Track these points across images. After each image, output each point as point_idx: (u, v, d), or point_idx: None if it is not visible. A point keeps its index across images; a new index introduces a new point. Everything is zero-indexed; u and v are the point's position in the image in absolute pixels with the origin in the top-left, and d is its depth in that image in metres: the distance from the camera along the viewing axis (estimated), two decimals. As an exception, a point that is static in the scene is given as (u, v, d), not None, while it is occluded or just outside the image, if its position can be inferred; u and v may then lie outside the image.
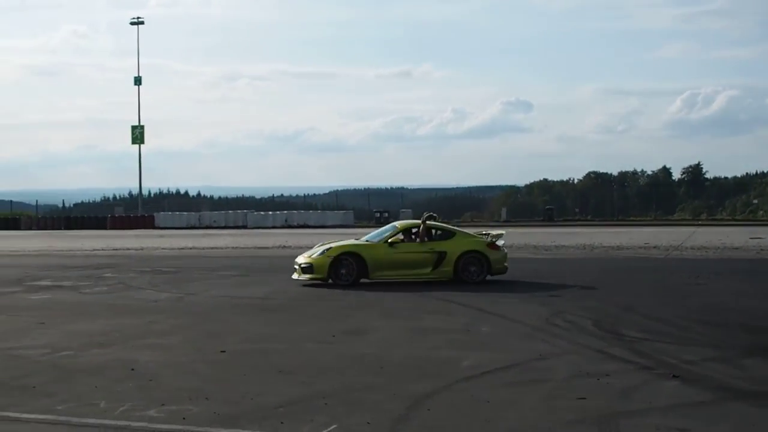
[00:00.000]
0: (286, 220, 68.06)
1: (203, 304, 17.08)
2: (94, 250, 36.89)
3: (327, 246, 20.77)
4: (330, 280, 19.95)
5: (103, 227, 67.70)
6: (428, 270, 20.42)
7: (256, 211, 74.14)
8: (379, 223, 66.32)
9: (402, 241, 20.92)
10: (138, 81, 78.92)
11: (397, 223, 22.16)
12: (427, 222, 21.13)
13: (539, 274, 22.79)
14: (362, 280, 20.05)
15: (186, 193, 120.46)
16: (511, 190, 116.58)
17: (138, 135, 77.90)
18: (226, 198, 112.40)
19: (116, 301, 17.66)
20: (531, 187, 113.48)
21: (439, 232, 21.35)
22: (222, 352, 11.60)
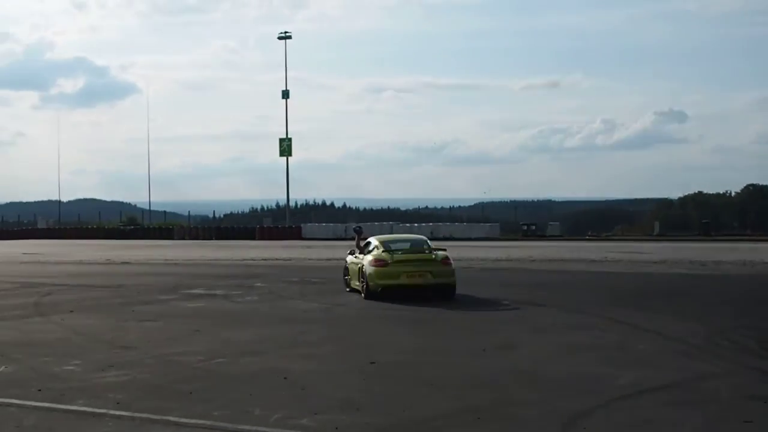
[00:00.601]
0: (431, 233, 67.99)
1: (352, 315, 17.25)
2: (244, 260, 37.60)
3: None
4: None
5: (252, 237, 69.05)
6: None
7: (402, 222, 74.38)
8: (526, 236, 65.58)
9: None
10: (285, 94, 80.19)
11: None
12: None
13: (696, 290, 22.04)
14: None
15: (332, 204, 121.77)
16: (663, 203, 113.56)
17: (286, 147, 79.11)
18: (372, 209, 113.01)
19: (267, 311, 17.99)
20: (685, 200, 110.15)
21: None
22: (372, 363, 11.61)
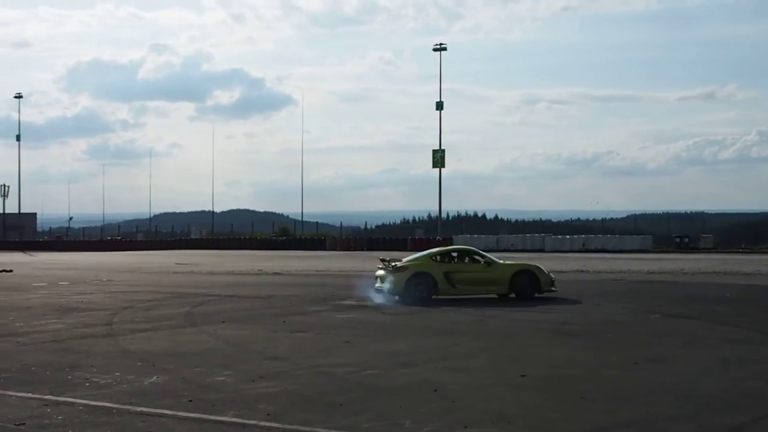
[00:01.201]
0: (583, 244, 67.21)
1: (503, 327, 17.05)
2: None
3: None
4: None
5: (404, 249, 69.35)
6: None
7: (554, 234, 73.58)
8: (679, 248, 63.92)
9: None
10: (440, 106, 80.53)
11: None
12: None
13: None
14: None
15: (483, 216, 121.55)
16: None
17: (439, 159, 79.36)
18: (523, 221, 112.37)
19: (418, 323, 17.92)
20: None
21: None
22: (523, 376, 11.44)
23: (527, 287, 22.97)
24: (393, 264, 22.83)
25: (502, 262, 24.00)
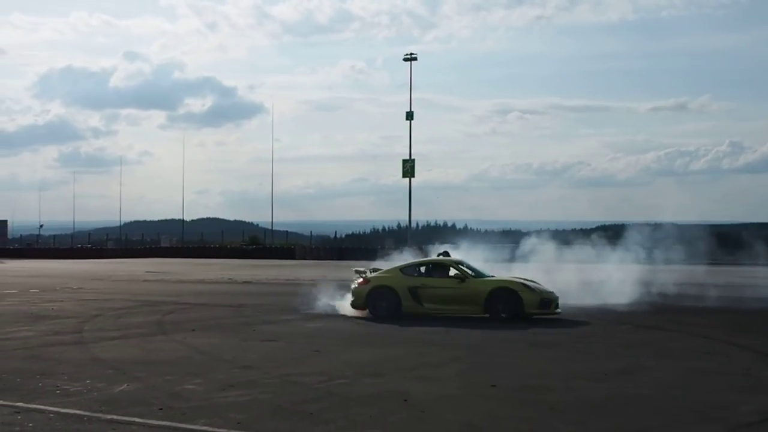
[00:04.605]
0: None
1: (473, 337, 17.08)
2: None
3: None
4: None
5: (374, 258, 69.25)
6: None
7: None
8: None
9: None
10: (410, 116, 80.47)
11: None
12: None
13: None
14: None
15: (453, 225, 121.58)
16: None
17: (409, 168, 79.31)
18: (493, 231, 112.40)
19: (388, 332, 17.95)
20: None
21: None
22: (493, 386, 11.48)
23: (505, 308, 20.07)
24: (359, 276, 21.62)
25: (490, 277, 21.14)
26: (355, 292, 21.25)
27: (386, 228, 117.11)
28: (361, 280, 21.44)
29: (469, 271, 21.24)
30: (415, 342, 16.30)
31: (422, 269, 21.76)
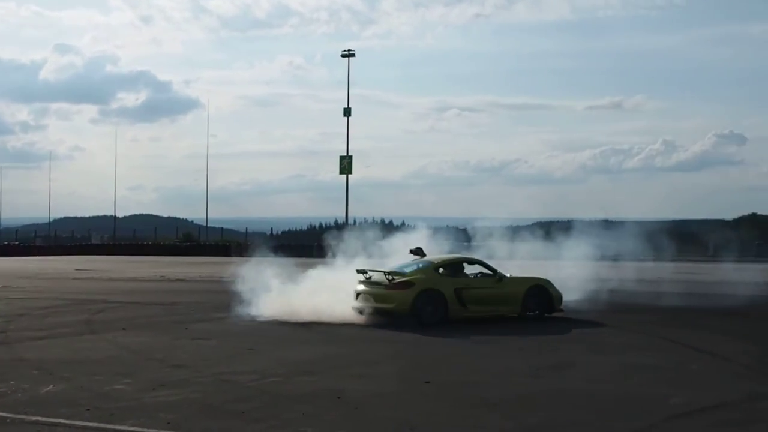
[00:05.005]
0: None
1: (409, 334, 16.95)
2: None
3: None
4: None
5: (311, 255, 69.10)
6: None
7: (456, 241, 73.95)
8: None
9: None
10: (347, 112, 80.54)
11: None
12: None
13: (748, 311, 21.78)
14: None
15: (391, 222, 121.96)
16: (718, 225, 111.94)
17: (346, 165, 79.38)
18: (431, 228, 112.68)
19: (323, 329, 17.75)
20: (739, 222, 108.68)
21: None
22: (427, 383, 11.44)
23: (538, 306, 19.76)
24: (390, 278, 18.92)
25: (509, 275, 20.08)
26: (396, 297, 18.52)
27: (323, 225, 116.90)
28: (400, 281, 18.80)
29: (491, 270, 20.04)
30: (351, 340, 16.19)
31: (461, 267, 20.13)
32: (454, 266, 19.89)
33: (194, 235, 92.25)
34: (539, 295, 19.80)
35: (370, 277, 19.39)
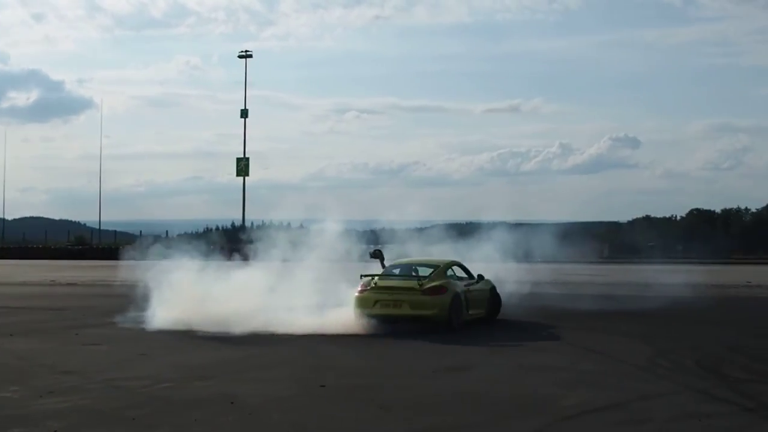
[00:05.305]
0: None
1: (303, 339, 16.79)
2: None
3: None
4: None
5: (206, 258, 68.24)
6: None
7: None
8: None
9: None
10: (244, 113, 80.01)
11: None
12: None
13: (642, 312, 22.28)
14: None
15: (289, 225, 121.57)
16: (613, 227, 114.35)
17: (243, 167, 78.86)
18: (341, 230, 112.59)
19: (217, 334, 17.52)
20: (633, 224, 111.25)
21: None
22: (322, 386, 11.40)
23: (496, 306, 19.95)
24: (420, 283, 17.93)
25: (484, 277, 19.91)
26: (435, 303, 17.63)
27: (219, 227, 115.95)
28: (433, 286, 17.86)
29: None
30: (246, 344, 16.02)
31: (458, 269, 19.59)
32: (452, 269, 19.37)
33: (87, 238, 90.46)
34: (496, 296, 19.94)
35: (376, 283, 18.20)
